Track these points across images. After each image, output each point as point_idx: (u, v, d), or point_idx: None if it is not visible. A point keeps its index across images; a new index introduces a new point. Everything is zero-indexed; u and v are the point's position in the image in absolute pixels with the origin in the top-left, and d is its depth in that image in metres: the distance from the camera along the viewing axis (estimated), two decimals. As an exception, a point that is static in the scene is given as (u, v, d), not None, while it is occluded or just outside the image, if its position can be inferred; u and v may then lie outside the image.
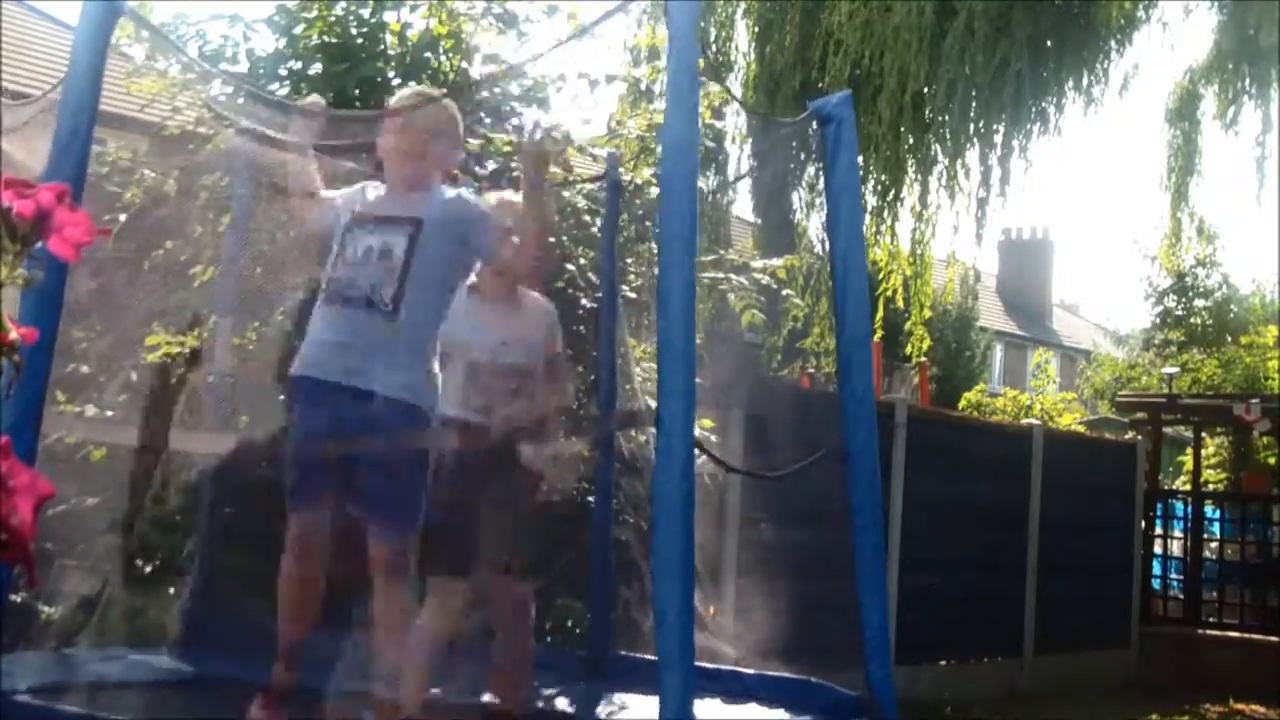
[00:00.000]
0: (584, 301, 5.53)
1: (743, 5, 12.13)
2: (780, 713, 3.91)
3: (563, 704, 4.31)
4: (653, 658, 2.81)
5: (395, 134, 3.50)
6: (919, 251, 11.72)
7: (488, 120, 5.80)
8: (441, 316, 3.38)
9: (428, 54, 6.01)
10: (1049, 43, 10.83)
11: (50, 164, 3.17)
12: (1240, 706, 9.69)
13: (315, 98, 3.89)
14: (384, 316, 3.26)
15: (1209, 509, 12.17)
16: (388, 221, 3.40)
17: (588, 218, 5.80)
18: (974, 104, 10.77)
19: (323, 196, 3.59)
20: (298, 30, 5.94)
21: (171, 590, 4.66)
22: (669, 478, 2.73)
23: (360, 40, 5.93)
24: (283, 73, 5.92)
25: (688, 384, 2.79)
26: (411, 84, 5.53)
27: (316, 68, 5.87)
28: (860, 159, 11.07)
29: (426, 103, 3.68)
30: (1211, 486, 13.06)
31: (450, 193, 3.54)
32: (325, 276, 3.44)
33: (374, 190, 3.59)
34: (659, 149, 4.43)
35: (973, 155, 11.17)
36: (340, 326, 3.32)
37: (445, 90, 5.89)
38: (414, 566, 3.30)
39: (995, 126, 11.00)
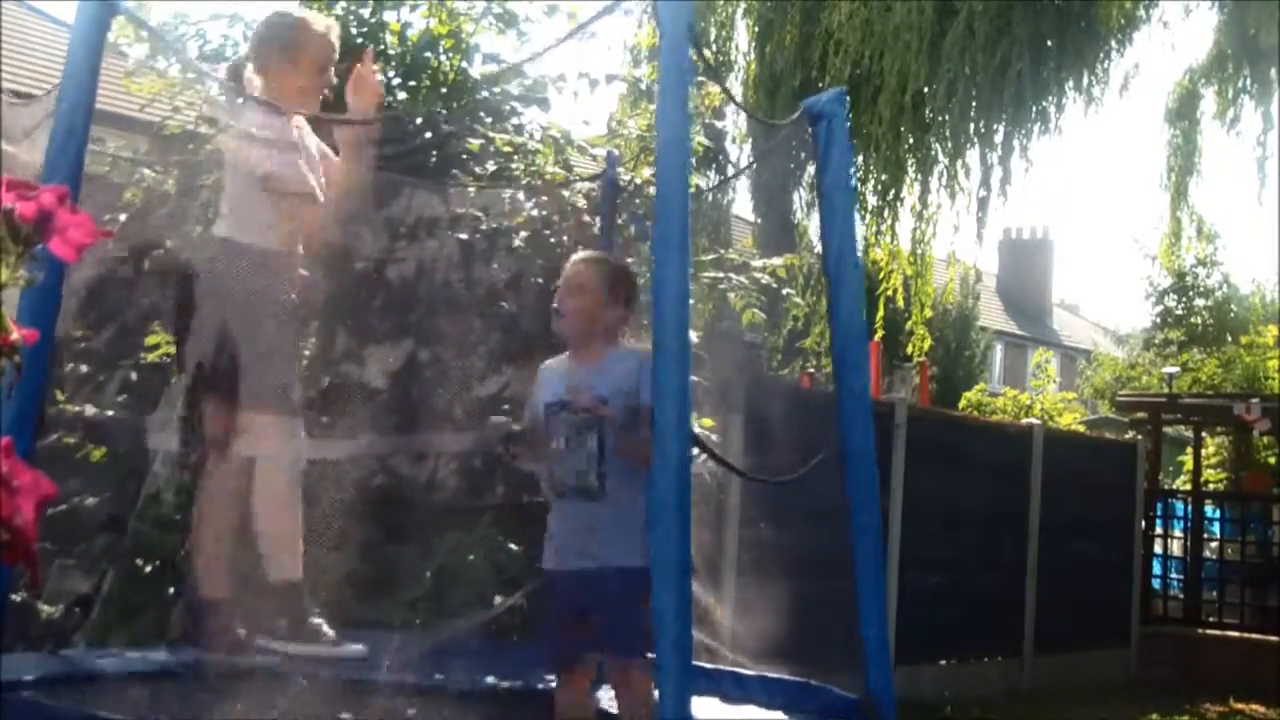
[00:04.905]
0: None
1: (743, 5, 12.13)
2: (779, 714, 3.91)
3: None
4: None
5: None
6: (919, 251, 11.72)
7: (488, 119, 5.81)
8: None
9: (428, 54, 6.02)
10: (1049, 43, 10.84)
11: (47, 163, 3.17)
12: (1240, 706, 9.70)
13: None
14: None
15: (1209, 509, 12.19)
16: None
17: (588, 218, 5.80)
18: (974, 104, 10.77)
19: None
20: (298, 30, 5.94)
21: (171, 590, 4.67)
22: (665, 479, 2.73)
23: (360, 40, 5.94)
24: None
25: (682, 385, 2.79)
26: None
27: (317, 68, 5.87)
28: (860, 159, 11.16)
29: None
30: (1211, 486, 13.08)
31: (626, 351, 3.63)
32: None
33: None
34: (659, 149, 4.42)
35: (973, 155, 11.17)
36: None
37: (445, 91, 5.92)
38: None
39: (995, 126, 11.01)
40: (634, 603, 3.10)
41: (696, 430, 3.84)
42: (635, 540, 3.24)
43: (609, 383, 3.53)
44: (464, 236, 5.35)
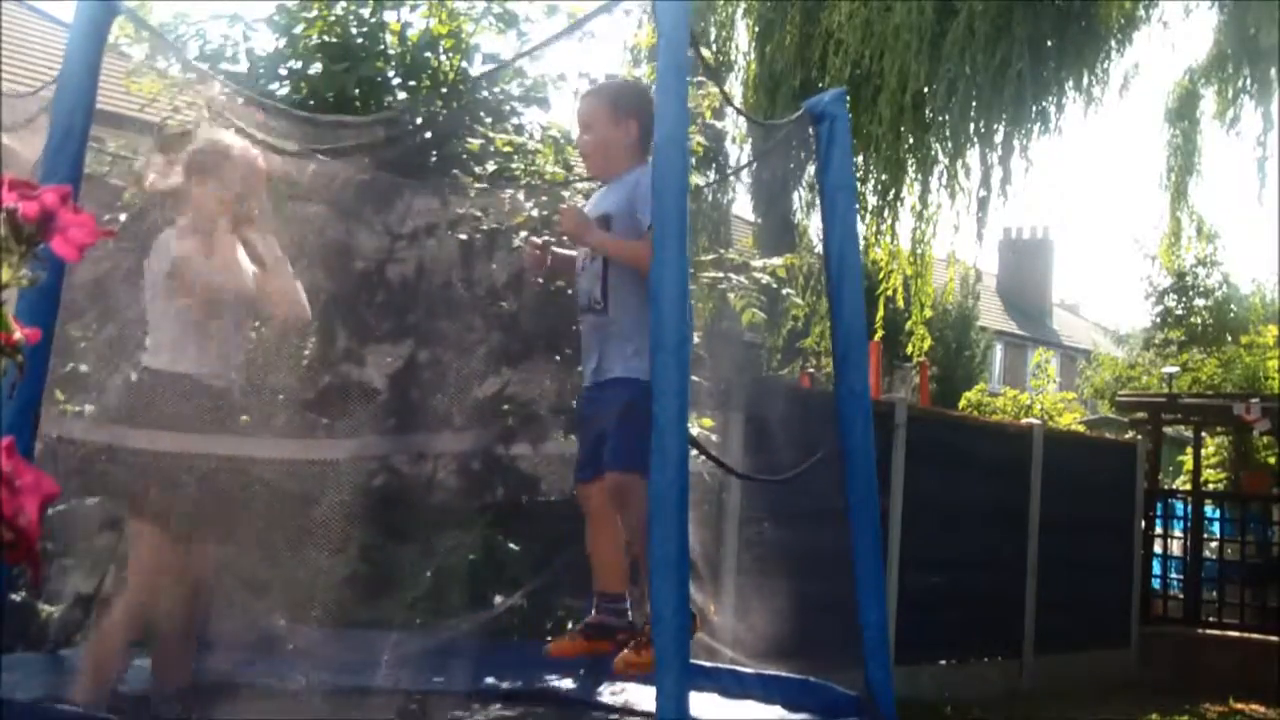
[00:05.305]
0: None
1: (743, 5, 12.13)
2: (778, 711, 3.92)
3: (566, 688, 4.31)
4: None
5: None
6: (919, 251, 11.72)
7: (488, 119, 5.81)
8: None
9: (428, 54, 6.02)
10: (1049, 43, 10.83)
11: (45, 164, 3.17)
12: (1240, 706, 9.69)
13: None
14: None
15: (1209, 509, 12.18)
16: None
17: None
18: (974, 104, 10.76)
19: None
20: (298, 30, 5.94)
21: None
22: (664, 476, 2.74)
23: (360, 40, 5.94)
24: (283, 73, 5.92)
25: (681, 383, 2.81)
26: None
27: (316, 68, 5.88)
28: (860, 159, 11.15)
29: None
30: (1211, 486, 13.07)
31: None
32: None
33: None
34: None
35: (973, 155, 11.16)
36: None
37: (452, 88, 5.92)
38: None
39: (995, 126, 10.99)
40: (633, 414, 3.16)
41: (693, 430, 3.87)
42: (636, 352, 3.33)
43: (611, 202, 3.63)
44: (464, 236, 5.35)
